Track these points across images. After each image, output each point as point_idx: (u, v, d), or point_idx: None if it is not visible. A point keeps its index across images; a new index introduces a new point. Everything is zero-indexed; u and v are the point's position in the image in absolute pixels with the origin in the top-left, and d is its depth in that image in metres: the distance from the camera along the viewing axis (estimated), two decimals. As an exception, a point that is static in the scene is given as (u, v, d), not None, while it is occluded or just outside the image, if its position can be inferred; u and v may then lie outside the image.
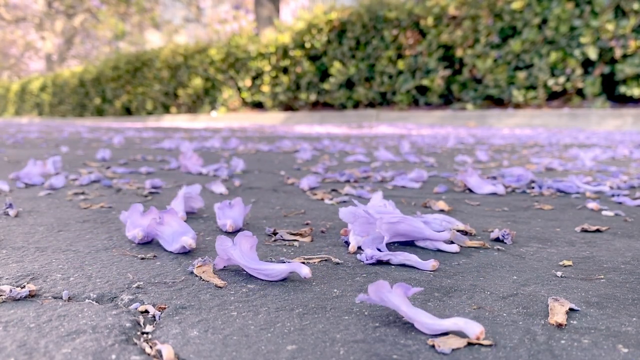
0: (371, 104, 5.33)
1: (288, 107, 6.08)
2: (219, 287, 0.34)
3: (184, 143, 1.68)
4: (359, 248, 0.44)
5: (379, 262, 0.40)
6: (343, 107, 5.48)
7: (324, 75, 5.60)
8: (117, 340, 0.26)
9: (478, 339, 0.27)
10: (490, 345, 0.26)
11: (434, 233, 0.44)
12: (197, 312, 0.30)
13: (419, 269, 0.39)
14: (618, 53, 3.58)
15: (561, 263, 0.41)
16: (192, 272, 0.37)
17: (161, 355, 0.24)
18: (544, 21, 3.93)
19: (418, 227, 0.44)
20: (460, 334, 0.27)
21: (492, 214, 0.62)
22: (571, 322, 0.29)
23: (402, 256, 0.40)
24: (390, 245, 0.45)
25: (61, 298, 0.32)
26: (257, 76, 6.27)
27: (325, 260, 0.41)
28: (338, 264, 0.40)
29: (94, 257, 0.41)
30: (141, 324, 0.28)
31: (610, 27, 3.54)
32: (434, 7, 4.54)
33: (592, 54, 3.66)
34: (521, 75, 4.01)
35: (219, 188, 0.76)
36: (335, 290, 0.34)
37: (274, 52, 6.00)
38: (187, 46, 7.07)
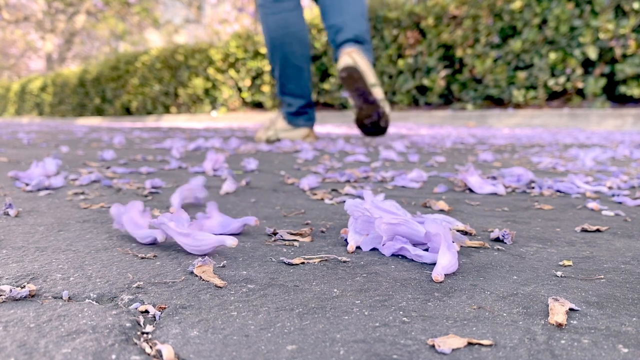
0: (371, 104, 5.32)
1: (288, 107, 6.06)
2: (219, 287, 0.34)
3: (211, 153, 1.67)
4: (358, 247, 0.44)
5: (395, 255, 0.40)
6: (343, 107, 5.48)
7: (324, 75, 5.60)
8: (117, 340, 0.26)
9: (233, 246, 0.40)
10: (490, 345, 0.26)
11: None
12: (197, 312, 0.30)
13: (420, 267, 0.39)
14: (618, 53, 3.58)
15: (561, 263, 0.41)
16: (192, 272, 0.37)
17: (161, 355, 0.24)
18: (544, 21, 3.93)
19: (418, 231, 0.44)
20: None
21: (492, 214, 0.62)
22: (571, 322, 0.29)
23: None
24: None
25: (61, 298, 0.32)
26: (257, 76, 6.27)
27: (326, 260, 0.41)
28: (338, 263, 0.40)
29: (94, 257, 0.41)
30: (141, 324, 0.28)
31: (610, 27, 3.54)
32: (434, 7, 4.53)
33: (592, 54, 3.66)
34: (521, 75, 4.01)
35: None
36: (335, 290, 0.34)
37: (274, 52, 5.99)
38: (187, 46, 7.07)
